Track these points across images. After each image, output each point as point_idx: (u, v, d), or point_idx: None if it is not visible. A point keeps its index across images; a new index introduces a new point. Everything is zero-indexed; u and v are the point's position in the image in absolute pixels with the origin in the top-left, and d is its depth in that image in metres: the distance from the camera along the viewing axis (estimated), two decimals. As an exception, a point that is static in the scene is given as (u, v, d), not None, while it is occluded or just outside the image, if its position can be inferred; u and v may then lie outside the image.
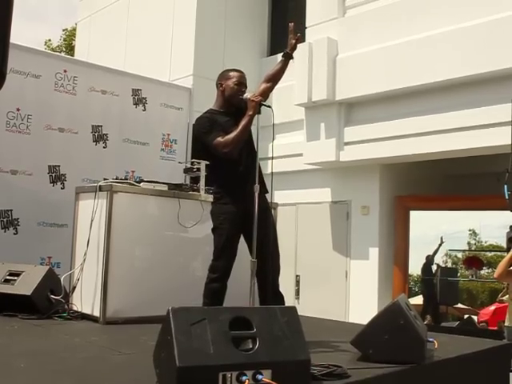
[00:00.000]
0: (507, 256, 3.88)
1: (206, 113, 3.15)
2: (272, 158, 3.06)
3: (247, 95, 3.01)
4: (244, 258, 2.95)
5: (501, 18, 5.38)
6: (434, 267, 6.88)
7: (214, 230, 3.05)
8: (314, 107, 6.85)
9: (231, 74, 3.13)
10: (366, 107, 6.60)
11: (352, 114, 6.77)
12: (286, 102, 6.92)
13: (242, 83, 3.09)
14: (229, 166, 3.03)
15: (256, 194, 2.82)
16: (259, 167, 3.02)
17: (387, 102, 6.34)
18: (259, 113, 2.94)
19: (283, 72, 3.25)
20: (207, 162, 3.88)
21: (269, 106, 2.98)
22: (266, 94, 3.17)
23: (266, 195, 3.12)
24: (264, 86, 3.19)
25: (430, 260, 6.84)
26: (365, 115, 6.58)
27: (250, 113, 2.93)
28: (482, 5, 5.57)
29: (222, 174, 3.10)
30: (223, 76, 3.15)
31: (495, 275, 4.02)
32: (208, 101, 6.93)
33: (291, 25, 3.12)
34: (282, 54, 3.23)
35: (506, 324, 3.96)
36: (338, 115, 6.73)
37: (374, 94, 6.34)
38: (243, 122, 2.94)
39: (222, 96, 3.15)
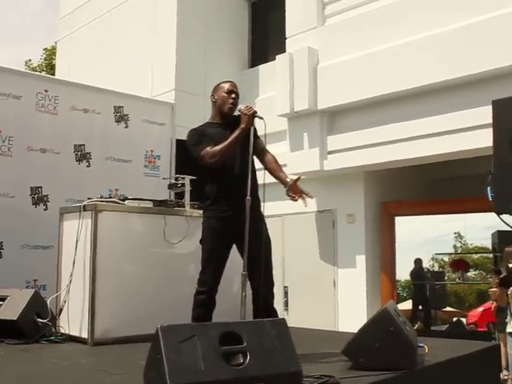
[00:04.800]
0: (494, 294, 3.99)
1: (200, 125, 3.18)
2: (265, 169, 3.04)
3: (240, 107, 3.03)
4: (237, 272, 2.93)
5: (475, 22, 5.48)
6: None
7: (201, 243, 3.07)
8: (296, 117, 6.89)
9: (221, 84, 3.18)
10: (348, 115, 6.65)
11: (334, 122, 6.82)
12: (268, 112, 6.96)
13: (231, 91, 3.12)
14: (218, 179, 3.03)
15: (247, 207, 2.80)
16: (255, 179, 3.02)
17: (369, 109, 6.40)
18: (252, 125, 2.95)
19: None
20: (192, 177, 3.89)
21: (261, 117, 2.98)
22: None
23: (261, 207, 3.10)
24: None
25: (419, 265, 6.88)
26: (347, 123, 6.62)
27: (243, 126, 2.94)
28: (457, 10, 5.68)
29: (210, 187, 3.08)
30: (215, 89, 3.19)
31: (497, 304, 4.16)
32: (191, 115, 6.99)
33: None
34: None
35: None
36: (320, 124, 6.78)
37: (356, 102, 6.40)
38: (234, 134, 2.94)
39: (214, 107, 3.18)
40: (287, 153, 7.00)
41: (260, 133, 3.04)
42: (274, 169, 3.11)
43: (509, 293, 3.91)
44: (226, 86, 3.14)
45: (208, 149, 2.94)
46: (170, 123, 5.82)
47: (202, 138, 3.03)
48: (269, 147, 7.52)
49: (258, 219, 3.02)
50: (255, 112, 2.97)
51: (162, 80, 7.84)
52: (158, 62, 8.04)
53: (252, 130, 2.92)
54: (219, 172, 3.00)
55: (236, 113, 3.11)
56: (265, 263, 2.95)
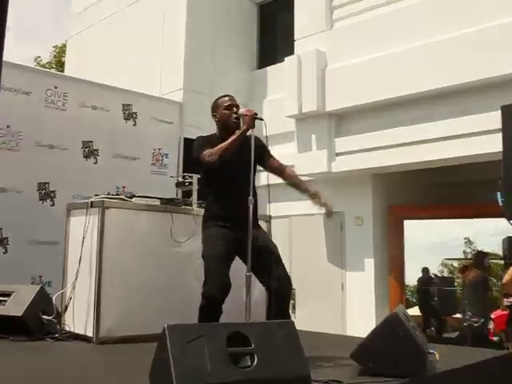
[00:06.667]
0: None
1: (208, 134, 3.20)
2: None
3: (241, 110, 3.04)
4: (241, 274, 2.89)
5: (484, 28, 5.45)
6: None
7: (203, 257, 2.98)
8: (304, 119, 6.87)
9: (220, 101, 3.17)
10: (356, 118, 6.63)
11: (342, 124, 6.80)
12: (276, 113, 6.93)
13: (231, 105, 3.12)
14: (220, 190, 3.03)
15: (250, 207, 2.80)
16: (254, 190, 3.00)
17: (377, 112, 6.37)
18: (253, 127, 2.96)
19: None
20: (198, 176, 3.86)
21: (261, 119, 3.00)
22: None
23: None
24: None
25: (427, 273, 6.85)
26: (355, 126, 6.60)
27: (245, 127, 2.94)
28: (467, 15, 5.64)
29: (211, 200, 3.10)
30: (214, 107, 3.19)
31: (503, 281, 3.98)
32: (198, 114, 6.93)
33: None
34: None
35: None
36: (328, 126, 6.76)
37: (364, 105, 6.38)
38: (233, 136, 2.95)
39: (219, 125, 3.18)
40: (295, 154, 6.97)
41: (262, 134, 3.03)
42: (298, 184, 3.20)
43: None
44: (225, 101, 3.14)
45: (208, 149, 2.95)
46: (177, 122, 5.82)
47: (206, 143, 3.03)
48: (277, 148, 7.51)
49: (260, 227, 3.05)
50: (255, 114, 2.98)
51: (171, 79, 7.82)
52: (167, 62, 8.03)
53: (253, 138, 2.92)
54: (220, 183, 3.01)
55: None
56: (279, 263, 2.95)
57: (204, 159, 2.95)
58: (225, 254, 2.91)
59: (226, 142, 2.93)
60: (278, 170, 3.17)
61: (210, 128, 3.37)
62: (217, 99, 3.20)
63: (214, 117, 3.17)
